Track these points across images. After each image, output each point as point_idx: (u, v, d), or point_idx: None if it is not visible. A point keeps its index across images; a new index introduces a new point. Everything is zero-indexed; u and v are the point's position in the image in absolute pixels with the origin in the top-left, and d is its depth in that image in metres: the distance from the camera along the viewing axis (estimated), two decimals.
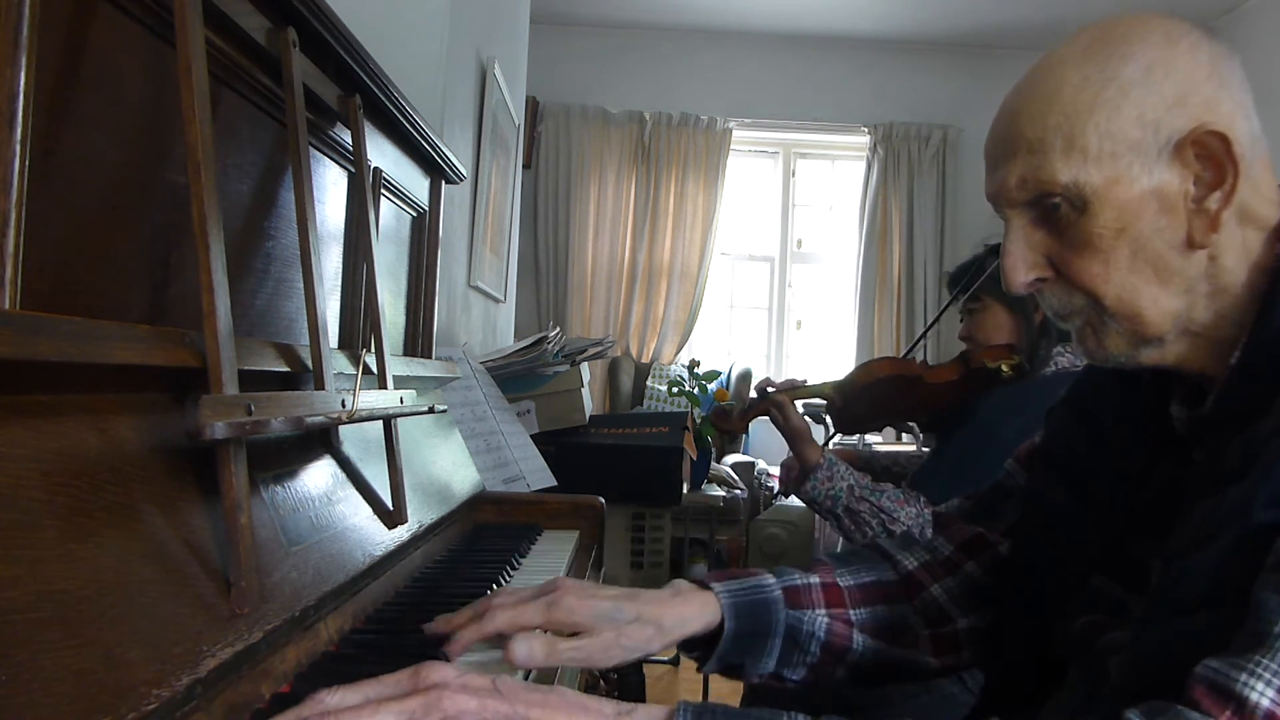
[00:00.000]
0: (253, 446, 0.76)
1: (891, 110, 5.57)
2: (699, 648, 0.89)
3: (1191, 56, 0.69)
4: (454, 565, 1.18)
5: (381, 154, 1.22)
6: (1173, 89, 0.68)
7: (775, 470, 4.56)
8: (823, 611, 0.91)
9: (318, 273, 0.88)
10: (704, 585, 0.89)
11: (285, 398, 0.78)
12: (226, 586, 0.66)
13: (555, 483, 1.89)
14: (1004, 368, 1.67)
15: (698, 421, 2.89)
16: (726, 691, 3.03)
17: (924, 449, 2.68)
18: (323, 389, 0.87)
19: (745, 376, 4.86)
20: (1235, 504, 0.61)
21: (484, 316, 3.03)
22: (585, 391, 2.48)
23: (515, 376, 2.29)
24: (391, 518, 1.02)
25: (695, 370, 3.26)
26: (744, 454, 5.01)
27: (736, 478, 4.35)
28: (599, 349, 2.55)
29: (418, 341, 1.43)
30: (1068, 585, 0.82)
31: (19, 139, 0.55)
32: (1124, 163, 0.69)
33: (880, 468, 2.00)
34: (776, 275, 5.83)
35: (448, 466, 1.40)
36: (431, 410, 1.20)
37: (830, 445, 2.11)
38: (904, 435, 4.61)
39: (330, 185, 1.10)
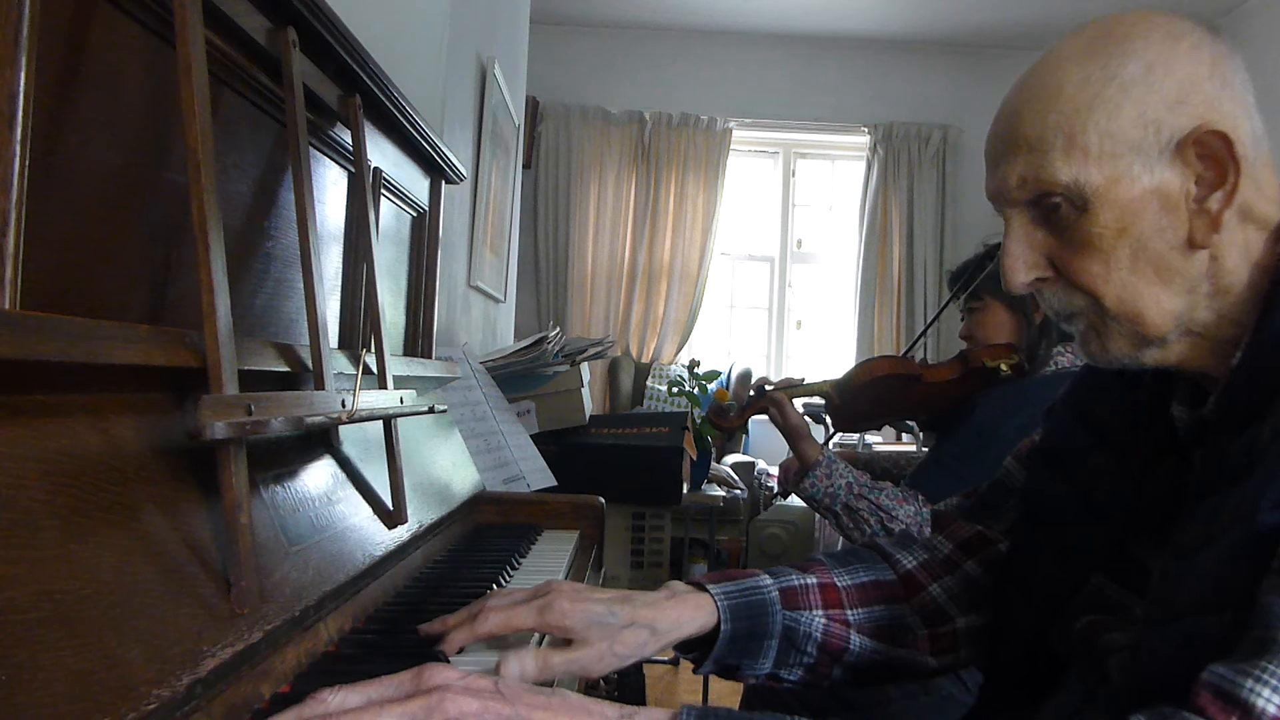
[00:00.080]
0: (253, 446, 0.76)
1: (891, 110, 5.57)
2: (695, 649, 0.89)
3: (1193, 55, 0.69)
4: (454, 565, 1.18)
5: (381, 154, 1.22)
6: (1174, 88, 0.68)
7: (775, 470, 4.56)
8: (820, 612, 0.91)
9: (318, 273, 0.88)
10: (700, 587, 0.88)
11: (285, 398, 0.78)
12: (226, 586, 0.66)
13: (555, 483, 1.89)
14: (1003, 367, 1.67)
15: (698, 421, 2.89)
16: (727, 691, 3.03)
17: (924, 449, 2.67)
18: (323, 389, 0.87)
19: (745, 376, 4.86)
20: (1239, 506, 0.61)
21: (484, 316, 3.03)
22: (585, 391, 2.48)
23: (515, 376, 2.29)
24: (391, 518, 1.02)
25: (695, 370, 3.26)
26: (744, 454, 5.01)
27: (736, 478, 4.35)
28: (599, 349, 2.55)
29: (418, 341, 1.43)
30: (1067, 584, 0.81)
31: (19, 139, 0.55)
32: (1125, 162, 0.69)
33: (880, 470, 2.00)
34: (776, 275, 5.83)
35: (448, 466, 1.40)
36: (431, 410, 1.20)
37: (830, 445, 2.11)
38: (904, 435, 4.62)
39: (330, 185, 1.10)
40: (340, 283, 1.15)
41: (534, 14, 3.92)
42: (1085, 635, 0.78)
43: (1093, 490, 0.81)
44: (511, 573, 1.16)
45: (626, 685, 2.17)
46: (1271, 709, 0.54)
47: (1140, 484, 0.78)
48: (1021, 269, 0.74)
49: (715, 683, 3.02)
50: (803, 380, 1.85)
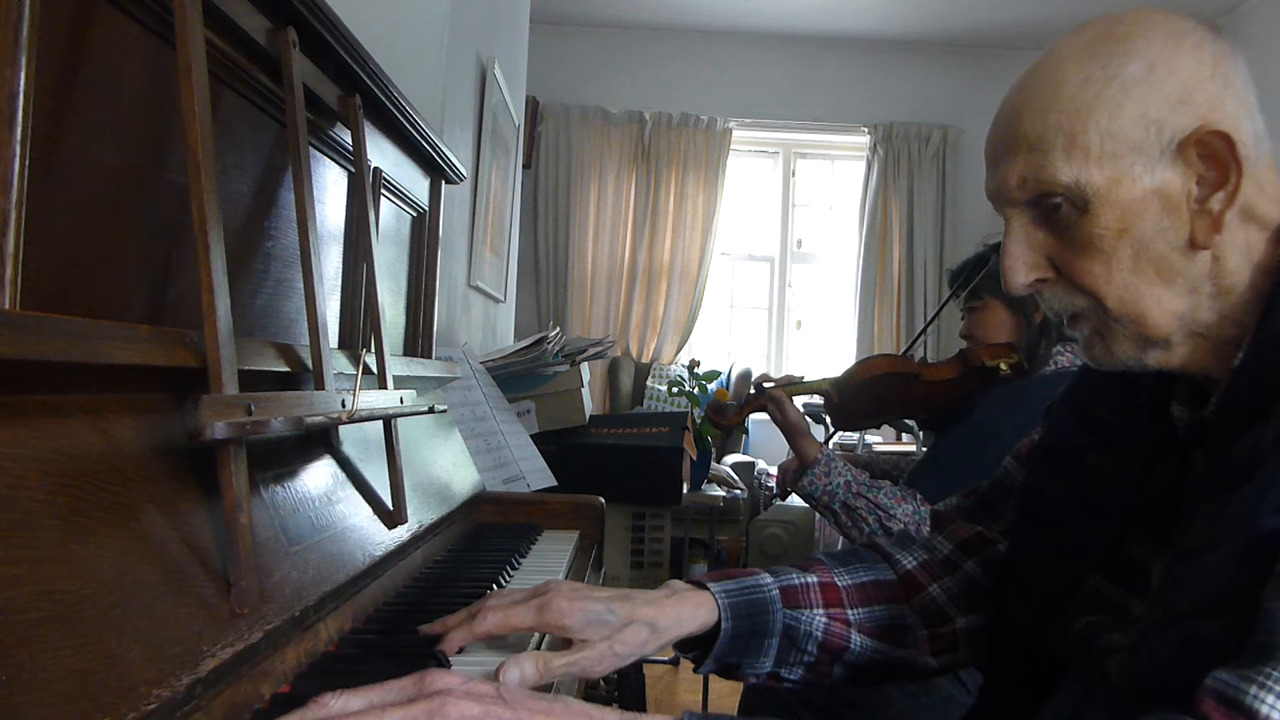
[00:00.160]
0: (253, 446, 0.76)
1: (891, 110, 5.57)
2: (696, 648, 0.89)
3: (1195, 55, 0.69)
4: (454, 565, 1.17)
5: (381, 154, 1.22)
6: (1176, 88, 0.68)
7: (775, 471, 4.56)
8: (820, 611, 0.90)
9: (318, 273, 0.88)
10: (700, 585, 0.88)
11: (285, 398, 0.78)
12: (226, 586, 0.66)
13: (555, 483, 1.89)
14: (1002, 366, 1.67)
15: (698, 421, 2.89)
16: (727, 690, 3.03)
17: (924, 449, 2.67)
18: (323, 389, 0.87)
19: (745, 376, 4.86)
20: (1240, 509, 0.60)
21: (484, 316, 3.03)
22: (585, 391, 2.48)
23: (515, 376, 2.29)
24: (391, 518, 1.02)
25: (695, 370, 3.26)
26: (744, 454, 5.01)
27: (736, 478, 4.35)
28: (599, 349, 2.55)
29: (418, 341, 1.43)
30: (1065, 584, 0.81)
31: (19, 139, 0.55)
32: (1126, 162, 0.68)
33: (881, 471, 2.00)
34: (776, 275, 5.83)
35: (448, 466, 1.40)
36: (431, 410, 1.20)
37: (830, 444, 2.11)
38: (904, 435, 4.61)
39: (330, 185, 1.10)
40: (340, 283, 1.15)
41: (534, 14, 3.92)
42: (1084, 635, 0.78)
43: (1091, 489, 0.81)
44: (511, 573, 1.16)
45: (626, 685, 2.17)
46: (1276, 716, 0.53)
47: (1140, 484, 0.77)
48: (1022, 269, 0.74)
49: (715, 683, 3.02)
50: (801, 378, 1.85)
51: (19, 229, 0.56)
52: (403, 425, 1.13)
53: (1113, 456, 0.80)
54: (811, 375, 1.88)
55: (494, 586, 1.06)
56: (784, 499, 2.19)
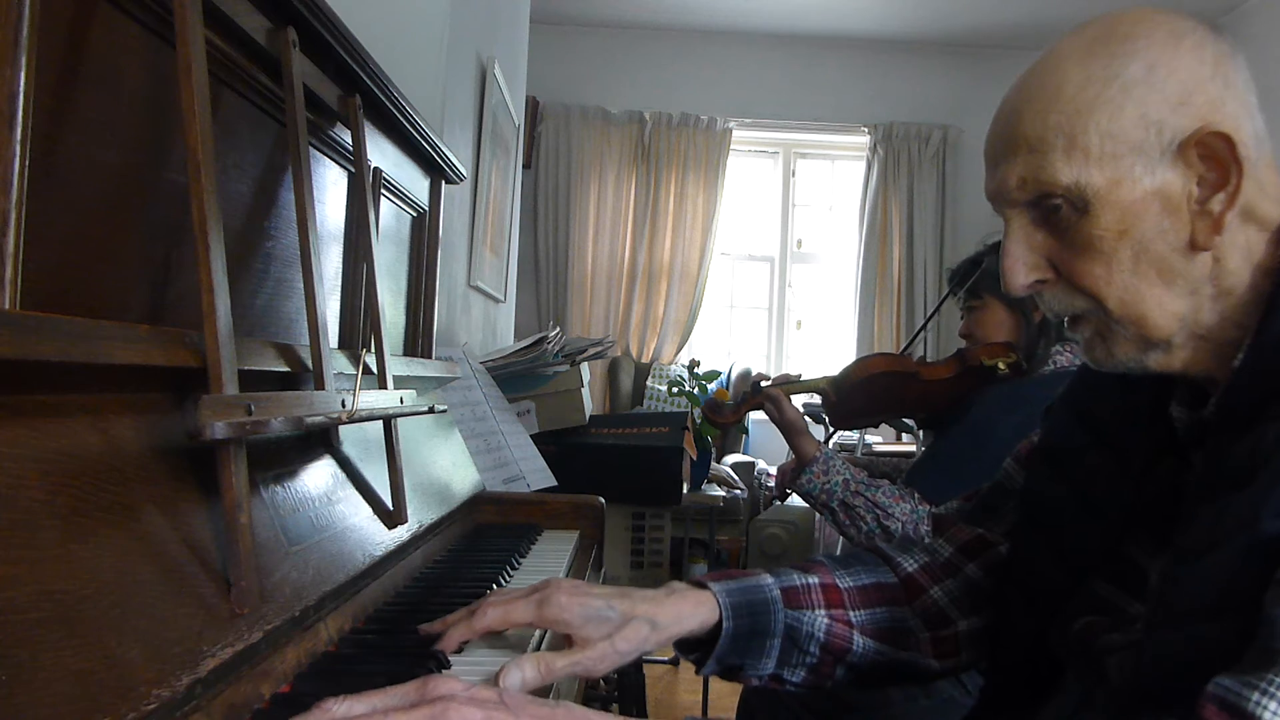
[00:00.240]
0: (253, 446, 0.76)
1: (891, 110, 5.57)
2: (697, 649, 0.89)
3: (1195, 55, 0.68)
4: (454, 565, 1.17)
5: (381, 154, 1.22)
6: (1176, 89, 0.68)
7: (775, 471, 4.56)
8: (823, 612, 0.90)
9: (318, 273, 0.88)
10: (700, 584, 0.88)
11: (285, 398, 0.78)
12: (226, 586, 0.66)
13: (555, 483, 1.89)
14: (1000, 365, 1.67)
15: (698, 421, 2.89)
16: (727, 690, 3.03)
17: (923, 449, 2.67)
18: (323, 389, 0.87)
19: (745, 376, 4.86)
20: (1242, 512, 0.60)
21: (484, 316, 3.03)
22: (585, 391, 2.48)
23: (515, 376, 2.29)
24: (391, 518, 1.02)
25: (695, 370, 3.26)
26: (744, 454, 5.01)
27: (736, 478, 4.35)
28: (599, 349, 2.55)
29: (418, 341, 1.43)
30: (1066, 586, 0.81)
31: (19, 139, 0.55)
32: (1126, 163, 0.68)
33: (880, 473, 2.00)
34: (776, 275, 5.83)
35: (448, 466, 1.40)
36: (431, 410, 1.20)
37: (830, 444, 2.11)
38: (904, 435, 4.61)
39: (330, 185, 1.10)
40: (340, 283, 1.15)
41: (534, 14, 3.92)
42: (1083, 636, 0.78)
43: (1091, 489, 0.81)
44: (511, 573, 1.16)
45: (626, 685, 2.17)
46: None
47: (1139, 484, 0.77)
48: (1022, 270, 0.74)
49: (715, 683, 3.02)
50: (799, 377, 1.85)
51: (19, 229, 0.56)
52: (403, 425, 1.13)
53: (1112, 456, 0.80)
54: (811, 375, 1.88)
55: (494, 586, 1.06)
56: (783, 501, 2.18)
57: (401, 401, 1.06)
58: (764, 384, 1.80)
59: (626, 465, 2.41)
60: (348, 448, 1.01)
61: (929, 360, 1.79)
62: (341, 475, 0.97)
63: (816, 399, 1.87)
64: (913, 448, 4.11)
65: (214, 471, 0.68)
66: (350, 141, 1.08)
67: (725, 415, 1.90)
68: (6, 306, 0.55)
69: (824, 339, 5.77)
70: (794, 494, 1.77)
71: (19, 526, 0.51)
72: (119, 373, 0.62)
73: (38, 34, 0.57)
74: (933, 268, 5.49)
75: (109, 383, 0.63)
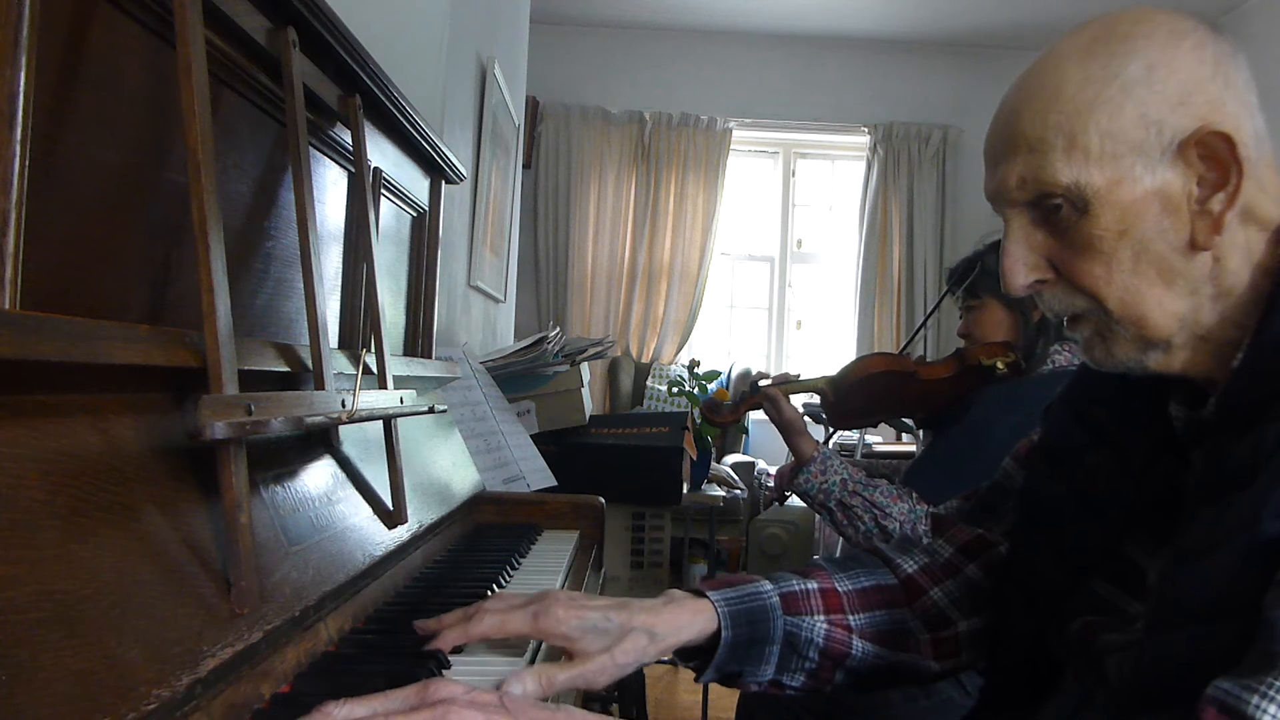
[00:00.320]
0: (253, 446, 0.76)
1: (891, 110, 5.57)
2: (696, 657, 0.89)
3: (1195, 55, 0.68)
4: (454, 565, 1.17)
5: (381, 154, 1.22)
6: (1176, 88, 0.68)
7: (774, 472, 4.56)
8: (821, 617, 0.90)
9: (318, 273, 0.88)
10: (699, 593, 0.88)
11: (285, 398, 0.78)
12: (226, 586, 0.66)
13: (555, 483, 1.89)
14: (999, 365, 1.67)
15: (698, 421, 2.89)
16: (726, 691, 3.03)
17: (922, 448, 2.67)
18: (323, 389, 0.87)
19: (745, 376, 4.86)
20: (1242, 513, 0.60)
21: (484, 316, 3.03)
22: (585, 391, 2.48)
23: (515, 376, 2.29)
24: (391, 518, 1.02)
25: (695, 370, 3.26)
26: (744, 454, 5.01)
27: (736, 478, 4.35)
28: (599, 349, 2.55)
29: (418, 341, 1.43)
30: (1065, 585, 0.81)
31: (19, 139, 0.55)
32: (1126, 163, 0.68)
33: (880, 474, 2.00)
34: (776, 275, 5.83)
35: (448, 466, 1.40)
36: (431, 410, 1.20)
37: (829, 444, 2.11)
38: (904, 435, 4.61)
39: (330, 185, 1.10)
40: (340, 283, 1.15)
41: (534, 14, 3.92)
42: (1082, 636, 0.78)
43: (1090, 489, 0.81)
44: (511, 573, 1.16)
45: (626, 686, 2.17)
46: None
47: (1139, 483, 0.77)
48: (1021, 270, 0.73)
49: (715, 685, 3.01)
50: (798, 376, 1.85)
51: (19, 229, 0.56)
52: (403, 425, 1.13)
53: (1111, 456, 0.80)
54: (810, 375, 1.88)
55: (494, 586, 1.06)
56: (782, 503, 2.18)
57: (401, 401, 1.06)
58: (763, 383, 1.80)
59: (626, 465, 2.41)
60: (348, 448, 1.01)
61: (928, 360, 1.79)
62: (341, 475, 0.97)
63: (815, 399, 1.87)
64: (912, 448, 4.11)
65: (214, 471, 0.68)
66: (350, 141, 1.08)
67: (724, 415, 1.90)
68: (6, 306, 0.55)
69: (824, 339, 5.77)
70: (793, 495, 1.77)
71: (19, 526, 0.51)
72: (119, 373, 0.62)
73: (38, 34, 0.57)
74: (933, 268, 5.49)
75: (109, 383, 0.63)
